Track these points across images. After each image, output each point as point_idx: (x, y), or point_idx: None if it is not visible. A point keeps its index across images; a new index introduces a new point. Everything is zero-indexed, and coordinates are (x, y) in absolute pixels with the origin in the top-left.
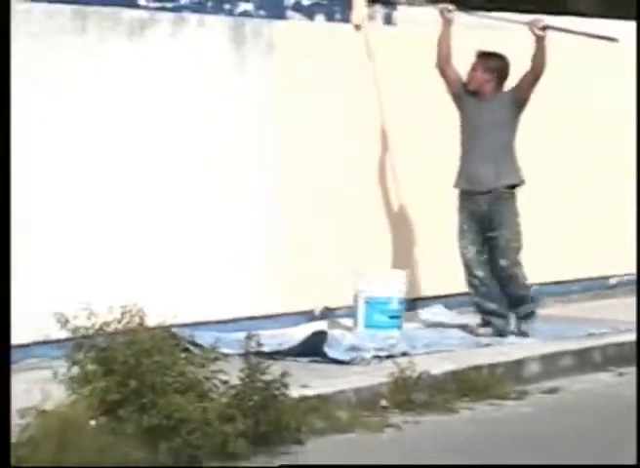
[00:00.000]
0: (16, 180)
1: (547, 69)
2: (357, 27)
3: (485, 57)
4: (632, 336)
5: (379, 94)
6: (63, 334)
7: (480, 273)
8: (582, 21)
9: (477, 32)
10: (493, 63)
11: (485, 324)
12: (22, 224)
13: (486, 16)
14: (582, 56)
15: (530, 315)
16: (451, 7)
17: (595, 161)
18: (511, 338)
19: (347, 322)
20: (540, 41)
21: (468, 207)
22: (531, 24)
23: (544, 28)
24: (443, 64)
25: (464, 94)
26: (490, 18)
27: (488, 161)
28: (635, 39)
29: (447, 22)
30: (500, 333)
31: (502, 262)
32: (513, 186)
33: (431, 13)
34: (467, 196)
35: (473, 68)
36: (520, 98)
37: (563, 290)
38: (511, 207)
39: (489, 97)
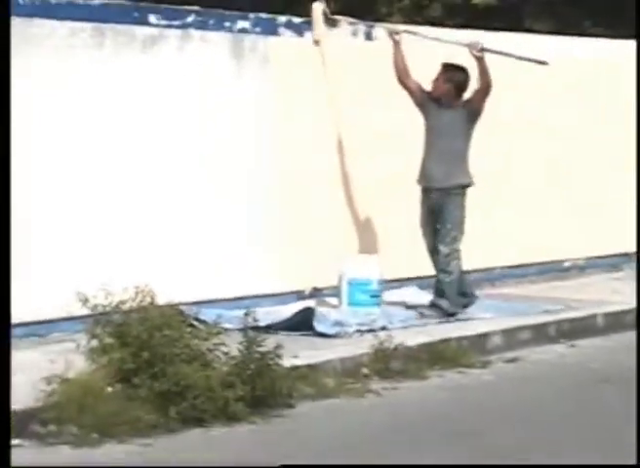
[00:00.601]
0: (45, 175)
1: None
2: (317, 43)
3: (447, 68)
4: (582, 313)
5: (359, 99)
6: (84, 311)
7: (439, 247)
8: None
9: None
10: (453, 75)
11: (433, 306)
12: (50, 214)
13: (428, 37)
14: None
15: (435, 306)
16: (398, 30)
17: (555, 160)
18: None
19: (333, 300)
20: (479, 61)
21: (425, 202)
22: (469, 47)
23: (482, 50)
24: (402, 78)
25: (428, 101)
26: (432, 39)
27: (441, 162)
28: (635, 54)
29: (396, 43)
30: (448, 314)
31: (441, 248)
32: (462, 186)
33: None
34: (425, 192)
35: (436, 78)
36: (473, 110)
37: (522, 272)
38: (458, 203)
39: (448, 106)
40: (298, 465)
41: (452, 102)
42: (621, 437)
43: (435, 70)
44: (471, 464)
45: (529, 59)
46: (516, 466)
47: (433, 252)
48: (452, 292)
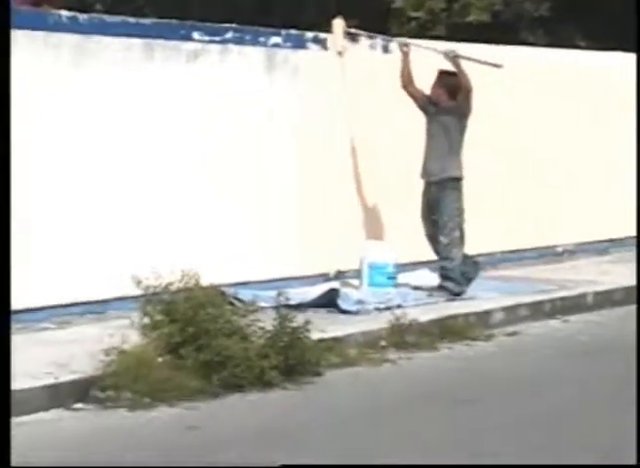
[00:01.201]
0: (108, 174)
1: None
2: (340, 54)
3: (441, 74)
4: (574, 292)
5: (375, 104)
6: (137, 292)
7: (435, 247)
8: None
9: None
10: (445, 80)
11: (439, 288)
12: (111, 209)
13: (415, 44)
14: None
15: (441, 288)
16: (407, 42)
17: (551, 159)
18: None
19: (354, 282)
20: (456, 67)
21: (425, 194)
22: (445, 54)
23: (455, 56)
24: (406, 85)
25: (428, 105)
26: (416, 45)
27: (437, 158)
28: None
29: (405, 54)
30: (455, 294)
31: (441, 239)
32: (455, 178)
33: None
34: (425, 186)
35: (433, 84)
36: (461, 111)
37: (520, 256)
38: (453, 195)
39: (442, 108)
40: (298, 465)
41: (445, 105)
42: (606, 398)
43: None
44: (471, 464)
45: (487, 63)
46: (516, 466)
47: (433, 240)
48: (456, 275)
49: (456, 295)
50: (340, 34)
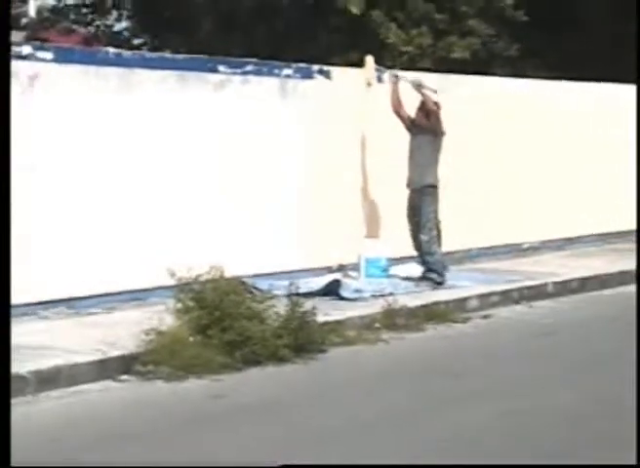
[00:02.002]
0: (153, 183)
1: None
2: (369, 85)
3: (421, 100)
4: (537, 282)
5: (374, 124)
6: (172, 282)
7: (419, 236)
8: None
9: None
10: (423, 104)
11: (424, 278)
12: (150, 213)
13: (400, 75)
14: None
15: (426, 278)
16: (396, 74)
17: (516, 169)
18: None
19: (353, 274)
20: (421, 94)
21: (409, 200)
22: (411, 83)
23: (419, 85)
24: (396, 110)
25: (412, 126)
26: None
27: (416, 169)
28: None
29: (394, 84)
30: (437, 283)
31: (422, 237)
32: (431, 185)
33: (425, 77)
34: (409, 193)
35: (417, 108)
36: (434, 131)
37: (492, 252)
38: (428, 200)
39: (420, 128)
40: (298, 465)
41: (424, 126)
42: (564, 367)
43: None
44: (471, 464)
45: (426, 87)
46: (516, 466)
47: (415, 238)
48: (438, 267)
49: (438, 284)
50: (371, 68)
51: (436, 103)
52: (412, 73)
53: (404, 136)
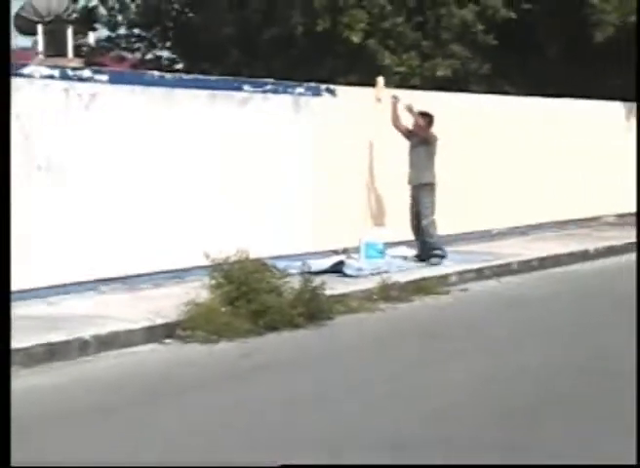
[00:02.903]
0: (198, 183)
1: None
2: (379, 100)
3: (419, 114)
4: (505, 261)
5: (374, 133)
6: (207, 263)
7: (415, 232)
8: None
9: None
10: (419, 118)
11: (432, 256)
12: (190, 207)
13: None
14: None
15: (437, 255)
16: (395, 96)
17: (487, 169)
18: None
19: (355, 255)
20: (410, 112)
21: (411, 194)
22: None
23: (408, 106)
24: (395, 124)
25: (411, 135)
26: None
27: (415, 170)
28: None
29: (393, 105)
30: (442, 256)
31: (423, 222)
32: (428, 184)
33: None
34: (410, 189)
35: (418, 118)
36: (428, 140)
37: (468, 236)
38: (427, 195)
39: (418, 137)
40: (298, 465)
41: (420, 135)
42: (528, 330)
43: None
44: (471, 464)
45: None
46: (516, 466)
47: (415, 226)
48: (438, 245)
49: (442, 258)
50: (382, 87)
51: (429, 115)
52: (404, 91)
53: (402, 143)
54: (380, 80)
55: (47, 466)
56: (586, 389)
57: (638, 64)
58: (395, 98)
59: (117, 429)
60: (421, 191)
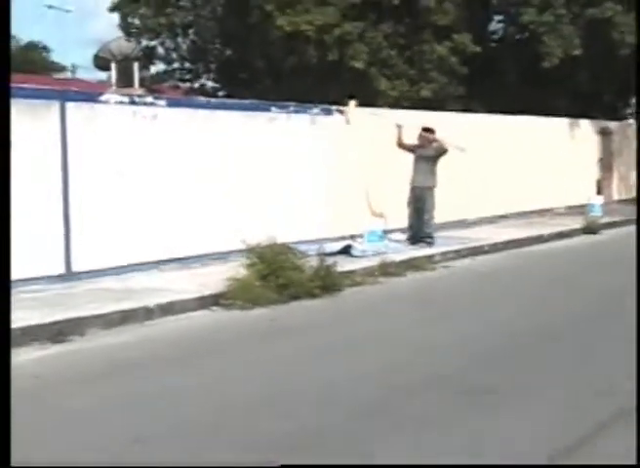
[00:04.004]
0: (236, 185)
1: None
2: (348, 121)
3: (423, 129)
4: (478, 243)
5: (371, 147)
6: (243, 247)
7: (413, 221)
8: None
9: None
10: (424, 132)
11: (425, 241)
12: (231, 203)
13: (398, 124)
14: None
15: (429, 242)
16: (399, 124)
17: (459, 166)
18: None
19: (360, 240)
20: (399, 131)
21: (413, 193)
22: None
23: (399, 125)
24: (399, 145)
25: (416, 148)
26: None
27: (421, 175)
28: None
29: (398, 130)
30: (431, 243)
31: (425, 216)
32: (431, 187)
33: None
34: (413, 189)
35: (419, 135)
36: (432, 151)
37: (448, 225)
38: (431, 195)
39: (423, 149)
40: (298, 465)
41: (425, 147)
42: (499, 295)
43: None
44: (471, 464)
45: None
46: (515, 466)
47: (417, 218)
48: (432, 234)
49: (432, 244)
50: (353, 108)
51: (431, 129)
52: (396, 111)
53: (394, 152)
54: (353, 102)
55: (47, 466)
56: (547, 332)
57: (638, 76)
58: (399, 126)
59: (178, 373)
60: (427, 192)
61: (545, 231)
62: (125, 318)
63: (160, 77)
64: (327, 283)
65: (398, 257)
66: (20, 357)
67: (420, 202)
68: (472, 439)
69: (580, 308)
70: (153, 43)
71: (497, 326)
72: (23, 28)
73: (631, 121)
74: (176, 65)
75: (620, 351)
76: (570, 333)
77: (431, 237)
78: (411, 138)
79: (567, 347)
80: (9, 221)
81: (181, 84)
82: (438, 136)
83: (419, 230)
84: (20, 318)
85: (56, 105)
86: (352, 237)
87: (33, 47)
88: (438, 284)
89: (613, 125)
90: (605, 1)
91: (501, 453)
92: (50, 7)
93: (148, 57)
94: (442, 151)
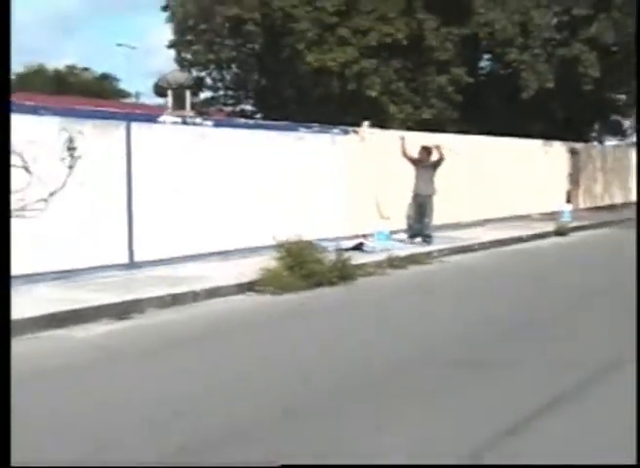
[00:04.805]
0: (270, 193)
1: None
2: (362, 139)
3: (422, 147)
4: (469, 243)
5: (381, 160)
6: (274, 243)
7: (412, 223)
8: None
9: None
10: (424, 149)
11: (424, 240)
12: (266, 206)
13: (400, 136)
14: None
15: (428, 241)
16: (402, 136)
17: (452, 178)
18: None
19: (370, 238)
20: (402, 144)
21: (416, 200)
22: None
23: (402, 138)
24: (404, 156)
25: (417, 161)
26: (401, 139)
27: (423, 184)
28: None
29: (402, 142)
30: (429, 242)
31: (426, 219)
32: (431, 195)
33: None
34: (415, 196)
35: (419, 151)
36: (433, 165)
37: (443, 227)
38: (430, 201)
39: (424, 162)
40: (298, 465)
41: (425, 161)
42: (488, 284)
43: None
44: (471, 464)
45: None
46: (515, 466)
47: (418, 220)
48: (430, 235)
49: (430, 243)
50: (365, 128)
51: (429, 148)
52: (404, 131)
53: (395, 164)
54: (366, 123)
55: (47, 466)
56: (525, 314)
57: (638, 89)
58: (402, 139)
59: (225, 343)
60: (427, 199)
61: (524, 233)
62: (176, 299)
63: (208, 102)
64: (343, 273)
65: (402, 253)
66: (92, 331)
67: (421, 207)
68: (457, 398)
69: (552, 293)
70: (202, 74)
71: (484, 309)
72: (98, 62)
73: (595, 143)
74: (220, 93)
75: (590, 330)
76: (543, 315)
77: (430, 236)
78: (414, 152)
79: (541, 326)
80: (8, 221)
81: (225, 108)
82: (435, 143)
83: (419, 231)
84: (93, 298)
85: (123, 125)
86: (364, 236)
87: (105, 77)
88: (435, 275)
89: (579, 146)
90: (574, 42)
91: (484, 410)
92: (119, 45)
93: (198, 85)
94: (439, 161)
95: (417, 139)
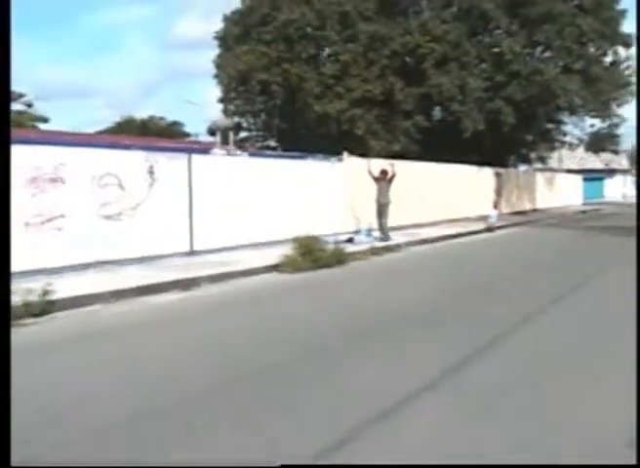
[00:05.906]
0: (299, 203)
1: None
2: (348, 165)
3: (381, 170)
4: (425, 236)
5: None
6: (290, 237)
7: (380, 221)
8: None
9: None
10: (383, 171)
11: (383, 238)
12: (284, 212)
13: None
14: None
15: (385, 237)
16: (369, 162)
17: (418, 193)
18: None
19: (358, 234)
20: (370, 169)
21: (377, 206)
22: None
23: (392, 168)
24: (370, 175)
25: (378, 178)
26: (367, 164)
27: (382, 195)
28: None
29: (368, 165)
30: (386, 240)
31: (383, 221)
32: (387, 203)
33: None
34: (379, 205)
35: (379, 172)
36: (388, 181)
37: (406, 226)
38: (387, 208)
39: (383, 180)
40: (298, 465)
41: (383, 179)
42: (441, 266)
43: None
44: (471, 464)
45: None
46: (515, 466)
47: (380, 223)
48: (387, 233)
49: (385, 241)
50: (371, 165)
51: (385, 171)
52: (380, 159)
53: (369, 183)
54: (345, 153)
55: (47, 466)
56: (472, 282)
57: (638, 97)
58: (369, 163)
59: (262, 305)
60: (385, 206)
61: (464, 230)
62: (223, 277)
63: (244, 140)
64: (339, 259)
65: (379, 245)
66: (164, 298)
67: (380, 212)
68: (418, 344)
69: (486, 269)
70: (241, 120)
71: (438, 280)
72: (170, 113)
73: (512, 168)
74: (253, 133)
75: (515, 293)
76: (481, 282)
77: (387, 235)
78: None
79: (479, 291)
80: (8, 221)
81: (257, 144)
82: (390, 162)
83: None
84: (165, 276)
85: (186, 156)
86: (355, 232)
87: (175, 123)
88: (404, 259)
89: (502, 170)
90: (496, 99)
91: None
92: (187, 101)
93: (238, 128)
94: (392, 177)
95: (382, 164)
